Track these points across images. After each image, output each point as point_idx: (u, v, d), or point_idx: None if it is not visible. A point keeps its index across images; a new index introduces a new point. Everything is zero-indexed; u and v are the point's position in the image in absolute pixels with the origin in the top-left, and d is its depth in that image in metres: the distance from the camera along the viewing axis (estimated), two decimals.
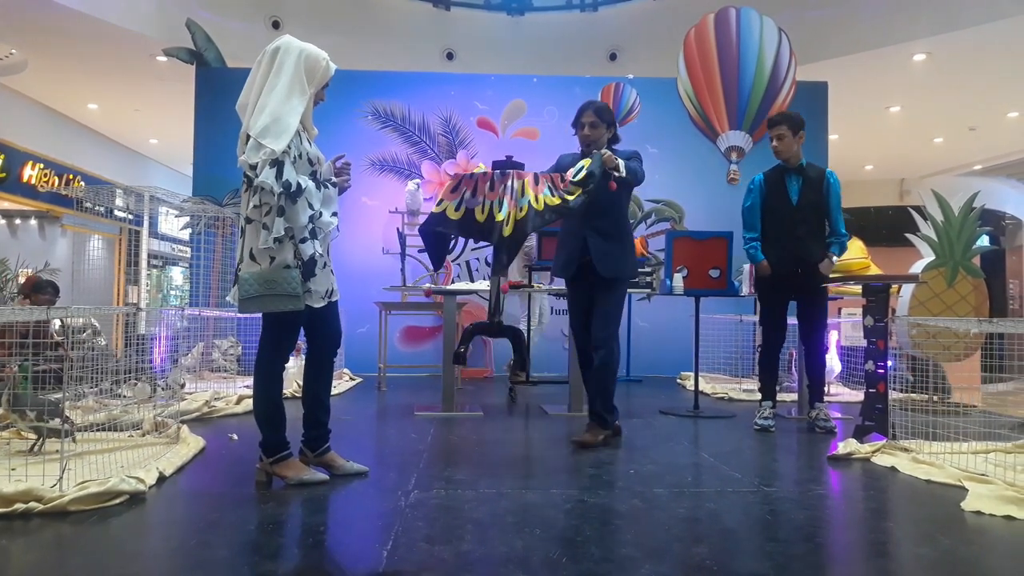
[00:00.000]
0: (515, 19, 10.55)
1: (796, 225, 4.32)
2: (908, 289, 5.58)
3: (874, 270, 5.92)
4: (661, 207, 7.77)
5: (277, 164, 2.67)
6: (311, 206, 2.77)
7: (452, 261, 7.64)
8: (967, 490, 2.82)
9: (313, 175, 2.87)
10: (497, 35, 10.48)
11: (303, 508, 2.64)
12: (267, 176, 2.65)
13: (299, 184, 2.72)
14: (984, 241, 6.05)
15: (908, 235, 5.86)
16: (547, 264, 5.53)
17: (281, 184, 2.66)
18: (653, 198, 7.79)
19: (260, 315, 2.89)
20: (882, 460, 3.42)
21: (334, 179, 2.96)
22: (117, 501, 2.56)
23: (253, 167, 2.68)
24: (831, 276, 4.46)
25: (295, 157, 2.75)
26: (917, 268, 5.59)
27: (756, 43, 6.12)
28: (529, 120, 7.87)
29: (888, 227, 11.01)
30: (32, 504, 2.44)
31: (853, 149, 11.56)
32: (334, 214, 2.90)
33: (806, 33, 7.94)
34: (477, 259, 7.72)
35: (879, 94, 9.84)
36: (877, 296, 3.93)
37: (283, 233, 2.68)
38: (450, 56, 10.35)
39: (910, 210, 5.97)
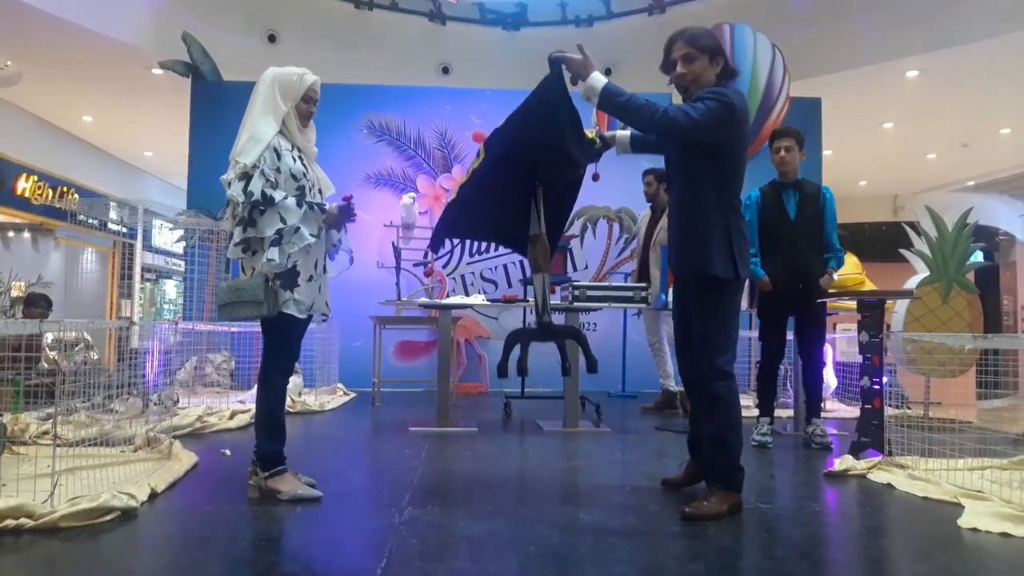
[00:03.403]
0: (511, 34, 10.60)
1: (795, 240, 4.34)
2: (903, 305, 5.59)
3: (869, 285, 5.93)
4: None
5: (246, 177, 2.80)
6: (283, 220, 2.81)
7: (447, 275, 7.64)
8: (963, 507, 2.81)
9: (300, 191, 2.91)
10: (493, 50, 10.53)
11: (296, 525, 2.61)
12: (235, 189, 2.82)
13: (268, 196, 2.79)
14: (978, 257, 6.07)
15: (902, 251, 5.87)
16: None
17: (245, 194, 2.78)
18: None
19: (260, 328, 2.98)
20: (878, 477, 3.41)
21: (325, 204, 3.00)
22: (108, 517, 2.54)
23: (229, 183, 2.85)
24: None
25: (273, 171, 2.84)
26: (911, 284, 5.61)
27: (750, 59, 6.16)
28: None
29: (882, 243, 11.05)
30: (23, 520, 2.42)
31: (847, 165, 11.62)
32: (312, 234, 2.89)
33: (799, 50, 7.98)
34: (472, 273, 7.71)
35: (872, 110, 9.90)
36: (872, 311, 3.93)
37: (240, 242, 2.81)
38: (446, 70, 10.39)
39: (904, 226, 5.99)
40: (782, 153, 4.37)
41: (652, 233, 5.68)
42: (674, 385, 5.83)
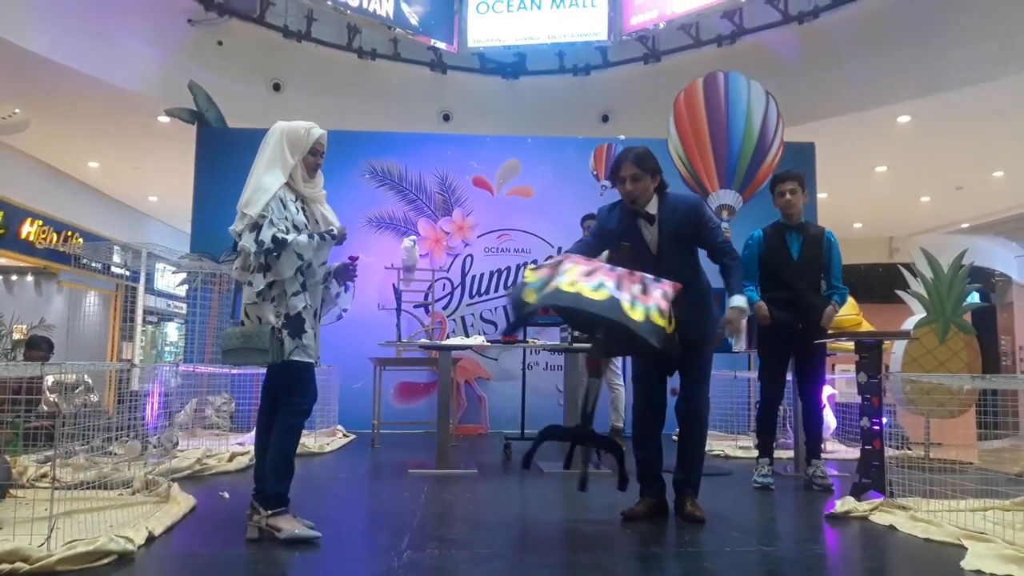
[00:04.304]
0: (510, 82, 10.81)
1: (796, 279, 4.37)
2: (900, 346, 5.61)
3: (866, 327, 5.95)
4: None
5: (256, 228, 2.90)
6: (300, 256, 2.92)
7: (447, 316, 7.66)
8: (966, 549, 2.79)
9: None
10: (492, 97, 10.73)
11: (294, 569, 2.60)
12: (246, 240, 2.91)
13: (280, 240, 2.88)
14: (975, 298, 6.11)
15: (899, 292, 5.91)
16: (541, 320, 5.55)
17: (257, 243, 2.87)
18: None
19: (264, 371, 3.06)
20: (880, 518, 3.38)
21: (334, 232, 3.11)
22: (105, 561, 2.52)
23: (240, 234, 2.94)
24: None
25: (281, 220, 2.94)
26: (909, 325, 5.63)
27: (744, 105, 6.28)
28: (523, 179, 8.00)
29: (879, 284, 11.09)
30: (19, 564, 2.39)
31: (842, 208, 11.72)
32: (322, 264, 3.06)
33: (792, 96, 8.14)
34: (472, 314, 7.74)
35: (865, 154, 10.04)
36: (870, 352, 3.95)
37: (263, 287, 2.89)
38: (447, 117, 10.58)
39: (900, 267, 6.04)
40: (787, 196, 4.42)
41: None
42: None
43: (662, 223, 3.40)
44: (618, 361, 6.03)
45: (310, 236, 2.98)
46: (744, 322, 3.39)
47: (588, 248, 3.46)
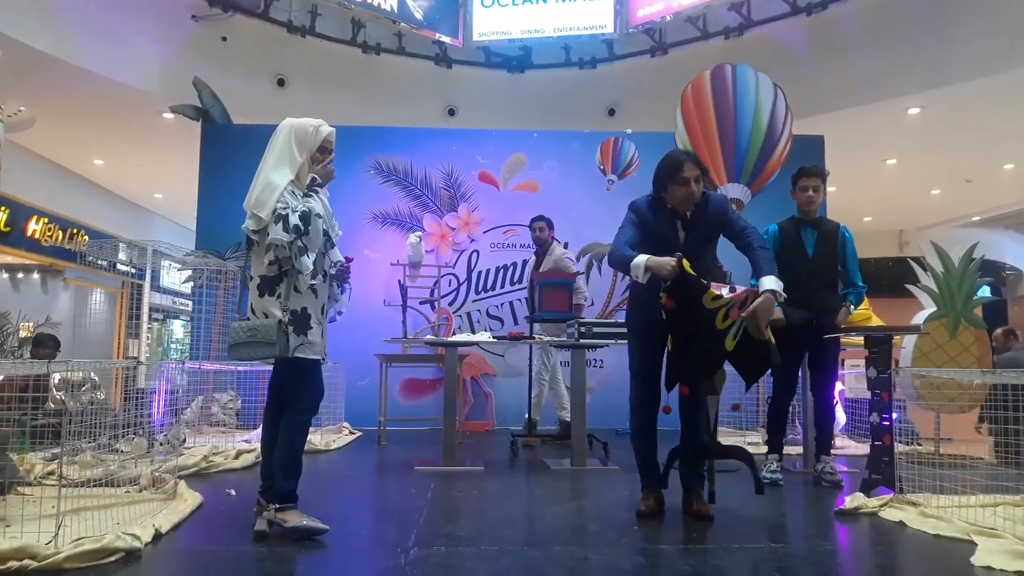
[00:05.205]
0: (515, 76, 10.77)
1: (811, 277, 4.32)
2: (911, 340, 5.57)
3: (876, 321, 5.91)
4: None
5: (281, 219, 2.88)
6: (319, 215, 2.97)
7: (454, 313, 7.65)
8: (976, 545, 2.77)
9: None
10: (498, 92, 10.69)
11: (301, 566, 2.59)
12: (277, 232, 2.87)
13: (303, 214, 2.91)
14: (985, 292, 6.06)
15: (909, 286, 5.87)
16: (548, 316, 5.53)
17: (290, 230, 2.87)
18: None
19: (270, 368, 3.10)
20: (890, 514, 3.36)
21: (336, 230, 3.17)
22: (113, 559, 2.52)
23: (255, 232, 2.95)
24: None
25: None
26: (919, 319, 5.59)
27: (752, 98, 6.23)
28: (529, 174, 7.97)
29: (888, 278, 11.04)
30: (26, 562, 2.40)
31: (851, 201, 11.66)
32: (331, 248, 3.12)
33: (801, 89, 8.08)
34: (478, 311, 7.72)
35: (875, 147, 9.98)
36: (880, 347, 3.91)
37: (311, 268, 2.91)
38: (452, 112, 10.54)
39: (910, 261, 5.99)
40: (810, 192, 4.39)
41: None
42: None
43: (695, 223, 3.40)
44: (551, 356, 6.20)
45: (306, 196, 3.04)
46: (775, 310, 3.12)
47: (636, 240, 3.39)
